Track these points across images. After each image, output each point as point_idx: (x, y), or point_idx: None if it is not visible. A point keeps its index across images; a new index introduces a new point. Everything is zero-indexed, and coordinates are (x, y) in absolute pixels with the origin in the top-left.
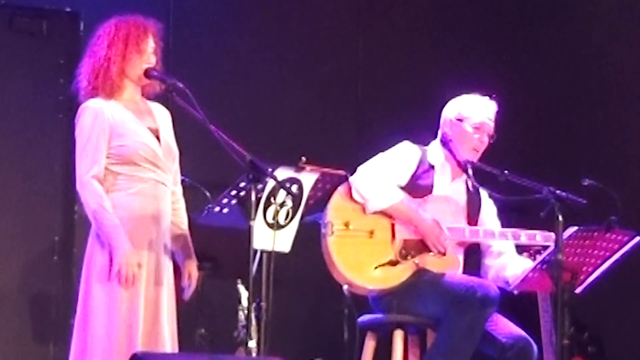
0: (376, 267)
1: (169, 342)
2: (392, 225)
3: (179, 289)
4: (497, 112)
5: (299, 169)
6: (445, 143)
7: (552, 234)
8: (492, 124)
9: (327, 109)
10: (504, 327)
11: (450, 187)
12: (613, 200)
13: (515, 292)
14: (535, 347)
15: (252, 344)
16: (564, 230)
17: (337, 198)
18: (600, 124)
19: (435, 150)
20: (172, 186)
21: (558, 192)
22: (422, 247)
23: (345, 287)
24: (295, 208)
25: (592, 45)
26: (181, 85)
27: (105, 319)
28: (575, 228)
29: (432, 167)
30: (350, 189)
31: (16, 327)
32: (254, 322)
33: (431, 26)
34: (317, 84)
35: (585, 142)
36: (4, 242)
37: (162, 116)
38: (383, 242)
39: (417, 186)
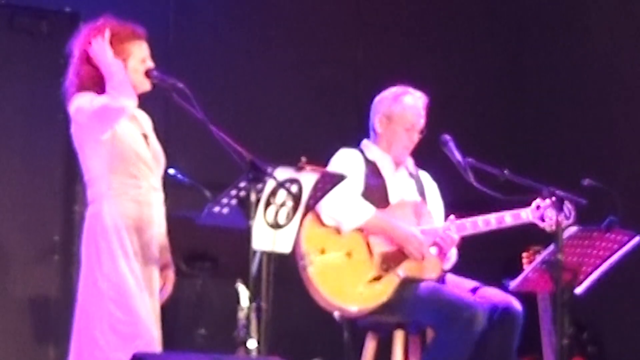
0: (361, 287)
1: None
2: (367, 241)
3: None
4: (428, 105)
5: (299, 169)
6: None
7: (521, 211)
8: (422, 121)
9: (327, 109)
10: (486, 295)
11: (397, 177)
12: (613, 200)
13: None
14: (518, 306)
15: (252, 344)
16: (564, 230)
17: (308, 226)
18: (601, 124)
19: (371, 148)
20: (160, 193)
21: (558, 192)
22: (400, 256)
23: (336, 313)
24: (295, 208)
25: (592, 46)
26: (181, 85)
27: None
28: (575, 228)
29: (374, 163)
30: (319, 215)
31: (16, 327)
32: (254, 322)
33: (431, 26)
34: (317, 84)
35: (585, 142)
36: (4, 242)
37: (146, 123)
38: (362, 261)
39: (372, 187)
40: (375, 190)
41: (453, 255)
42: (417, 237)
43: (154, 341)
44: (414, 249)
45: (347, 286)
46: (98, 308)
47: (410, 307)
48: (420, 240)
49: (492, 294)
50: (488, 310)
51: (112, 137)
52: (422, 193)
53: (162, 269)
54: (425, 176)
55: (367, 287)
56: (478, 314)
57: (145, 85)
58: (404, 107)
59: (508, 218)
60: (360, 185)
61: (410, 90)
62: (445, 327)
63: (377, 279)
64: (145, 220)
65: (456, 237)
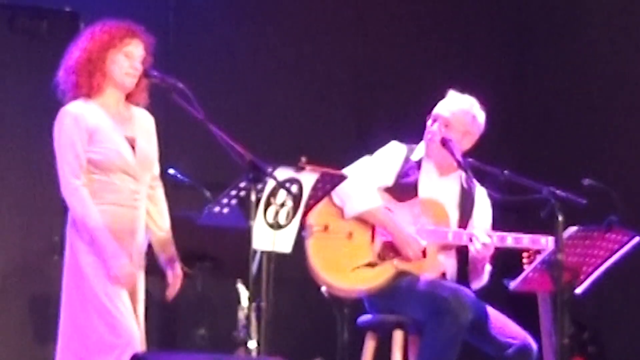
0: (353, 269)
1: None
2: (373, 228)
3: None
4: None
5: (299, 169)
6: (445, 142)
7: (541, 237)
8: (446, 115)
9: (327, 109)
10: (504, 326)
11: (439, 183)
12: (613, 200)
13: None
14: (534, 345)
15: (252, 344)
16: (564, 230)
17: (322, 202)
18: (601, 124)
19: (420, 148)
20: (145, 197)
21: (558, 192)
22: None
23: (323, 288)
24: (295, 208)
25: (592, 46)
26: (181, 85)
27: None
28: (575, 228)
29: (418, 164)
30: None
31: (16, 327)
32: (254, 322)
33: (431, 26)
34: (317, 83)
35: (585, 142)
36: (4, 242)
37: (143, 124)
38: (362, 244)
39: (403, 184)
40: (405, 188)
41: (486, 274)
42: (417, 242)
43: (134, 341)
44: (412, 252)
45: (339, 265)
46: (81, 310)
47: (401, 298)
48: (420, 245)
49: (512, 329)
50: (509, 339)
51: (92, 143)
52: (465, 208)
53: (167, 263)
54: (481, 193)
55: (359, 270)
56: (465, 302)
57: (125, 80)
58: (445, 103)
59: (526, 240)
60: (388, 179)
61: (475, 103)
62: (435, 321)
63: (372, 265)
64: (127, 223)
65: (488, 240)
